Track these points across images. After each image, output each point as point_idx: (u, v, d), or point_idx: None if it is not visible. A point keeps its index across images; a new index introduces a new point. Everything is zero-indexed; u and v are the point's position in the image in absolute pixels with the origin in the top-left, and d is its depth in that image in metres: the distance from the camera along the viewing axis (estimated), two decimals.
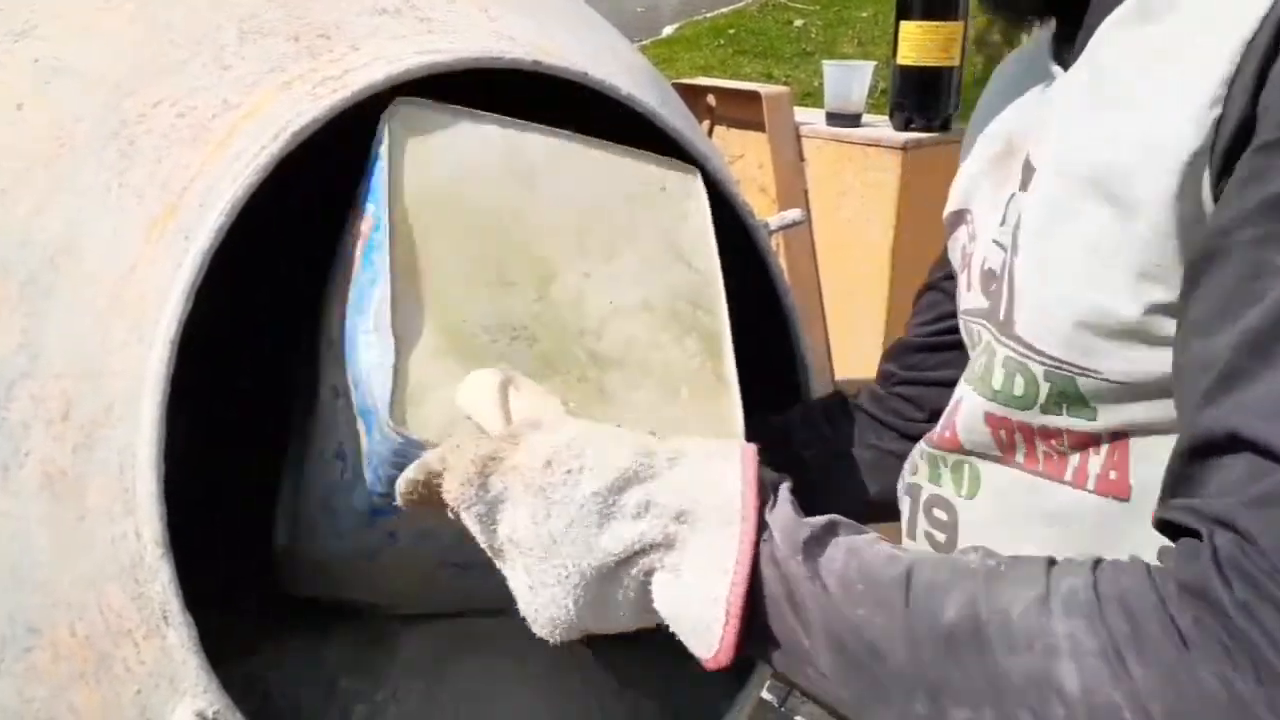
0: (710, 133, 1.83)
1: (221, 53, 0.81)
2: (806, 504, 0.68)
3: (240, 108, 0.79)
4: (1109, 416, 0.72)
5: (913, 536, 0.94)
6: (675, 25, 8.04)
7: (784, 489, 0.68)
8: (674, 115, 1.15)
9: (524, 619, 0.68)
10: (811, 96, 6.40)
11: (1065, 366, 0.73)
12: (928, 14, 1.61)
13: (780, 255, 1.69)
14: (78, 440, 0.70)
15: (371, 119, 0.85)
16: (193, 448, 1.55)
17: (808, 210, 1.70)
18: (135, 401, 0.70)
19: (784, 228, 1.20)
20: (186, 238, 0.73)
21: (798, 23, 7.94)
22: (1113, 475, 0.74)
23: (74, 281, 0.72)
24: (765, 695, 2.19)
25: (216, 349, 1.41)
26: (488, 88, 1.09)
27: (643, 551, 0.64)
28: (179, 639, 0.70)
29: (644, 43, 7.68)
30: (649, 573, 0.65)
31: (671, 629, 0.66)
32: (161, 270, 0.71)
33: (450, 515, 0.68)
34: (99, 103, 0.78)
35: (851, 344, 1.74)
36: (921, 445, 0.94)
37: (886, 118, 1.74)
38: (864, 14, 7.88)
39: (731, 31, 7.80)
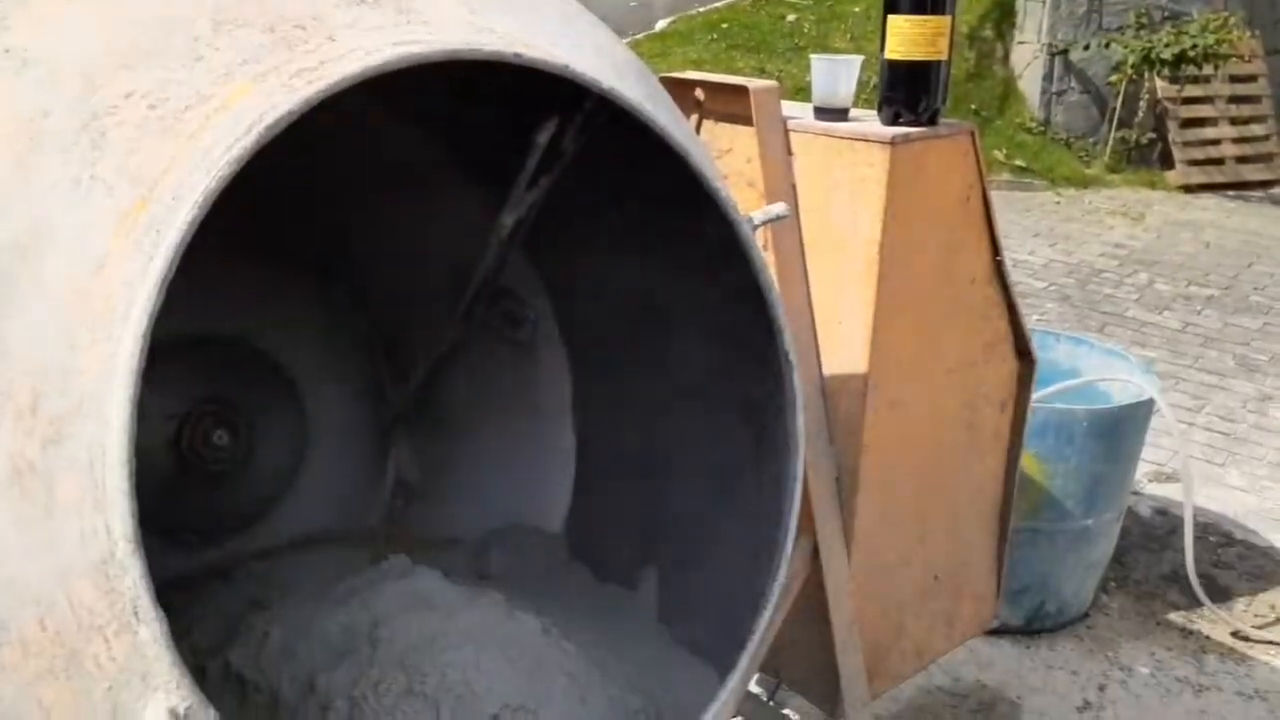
0: (699, 127, 1.82)
1: (194, 44, 0.80)
2: None
3: (213, 100, 0.78)
4: None
5: None
6: (668, 20, 8.01)
7: None
8: (658, 108, 1.15)
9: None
10: (804, 91, 6.41)
11: None
12: (915, 8, 1.60)
13: (768, 249, 1.68)
14: (47, 435, 0.70)
15: (350, 109, 0.84)
16: (177, 432, 1.55)
17: (796, 205, 1.69)
18: (104, 397, 0.69)
19: (769, 222, 1.20)
20: (158, 232, 0.72)
21: (790, 18, 7.92)
22: None
23: (41, 276, 0.71)
24: (754, 688, 2.19)
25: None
26: (469, 82, 1.08)
27: None
28: (150, 635, 0.69)
29: (637, 37, 7.65)
30: None
31: None
32: (131, 265, 0.71)
33: None
34: (70, 94, 0.77)
35: (839, 338, 1.74)
36: None
37: (875, 112, 1.74)
38: (856, 9, 7.87)
39: (724, 26, 7.79)
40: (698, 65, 7.11)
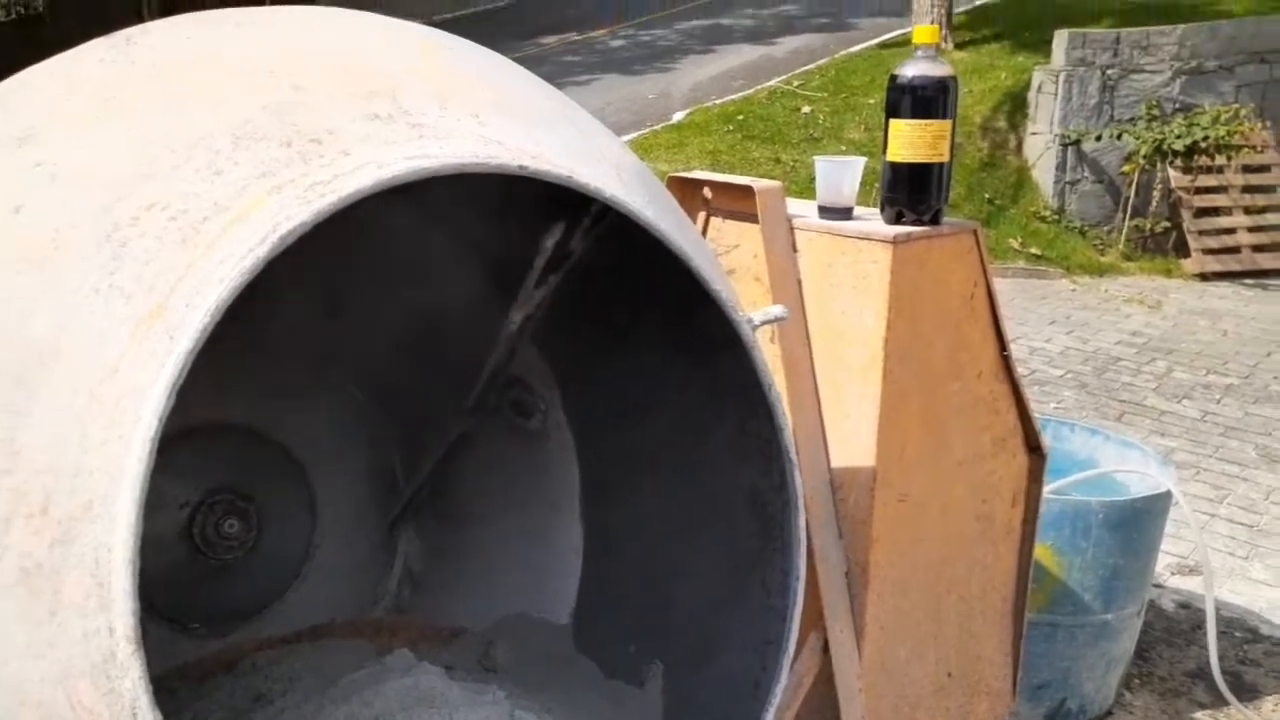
0: (706, 223, 1.86)
1: (215, 158, 0.85)
2: None
3: (230, 211, 0.81)
4: None
5: None
6: (686, 111, 8.21)
7: None
8: (661, 212, 1.18)
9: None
10: None
11: None
12: (916, 113, 1.66)
13: (774, 342, 1.71)
14: (55, 535, 0.72)
15: (367, 212, 0.87)
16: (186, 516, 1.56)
17: (801, 300, 1.72)
18: (113, 497, 0.71)
19: (768, 323, 1.22)
20: (171, 338, 0.75)
21: (805, 109, 8.10)
22: None
23: (57, 381, 0.74)
24: None
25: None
26: (480, 190, 1.12)
27: None
28: None
29: (655, 128, 7.83)
30: None
31: None
32: (144, 370, 0.73)
33: None
34: (95, 205, 0.81)
35: (846, 432, 1.75)
36: None
37: (878, 210, 1.78)
38: (871, 100, 8.04)
39: (740, 118, 7.96)
40: (714, 155, 7.26)
